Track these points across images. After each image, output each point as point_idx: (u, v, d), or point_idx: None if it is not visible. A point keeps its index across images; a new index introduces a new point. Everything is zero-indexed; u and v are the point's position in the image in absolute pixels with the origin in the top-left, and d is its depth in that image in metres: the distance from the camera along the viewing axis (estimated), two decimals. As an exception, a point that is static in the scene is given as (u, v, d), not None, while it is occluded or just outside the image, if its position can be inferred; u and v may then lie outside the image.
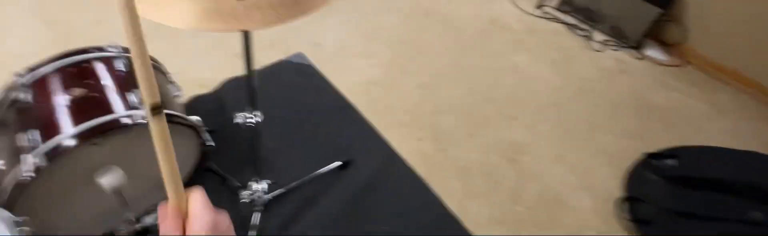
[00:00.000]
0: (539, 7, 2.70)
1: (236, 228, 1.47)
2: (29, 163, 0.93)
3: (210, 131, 1.27)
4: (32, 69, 1.16)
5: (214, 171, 1.56)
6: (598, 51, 2.46)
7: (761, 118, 2.19)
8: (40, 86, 1.11)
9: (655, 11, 2.28)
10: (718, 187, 1.83)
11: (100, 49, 1.24)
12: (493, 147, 1.96)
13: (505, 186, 1.82)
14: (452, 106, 2.12)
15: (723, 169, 1.94)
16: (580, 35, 2.54)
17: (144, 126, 1.01)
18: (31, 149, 0.96)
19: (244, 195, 1.38)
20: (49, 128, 1.01)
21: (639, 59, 2.43)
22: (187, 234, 0.47)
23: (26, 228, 0.74)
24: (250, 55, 0.98)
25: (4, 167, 1.01)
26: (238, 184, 1.49)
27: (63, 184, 1.04)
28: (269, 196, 1.44)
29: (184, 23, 0.82)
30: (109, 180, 0.87)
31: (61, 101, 1.06)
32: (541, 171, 1.88)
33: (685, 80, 2.34)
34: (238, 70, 2.05)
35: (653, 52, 2.44)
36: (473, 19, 2.62)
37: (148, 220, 1.12)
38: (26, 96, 1.08)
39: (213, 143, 1.27)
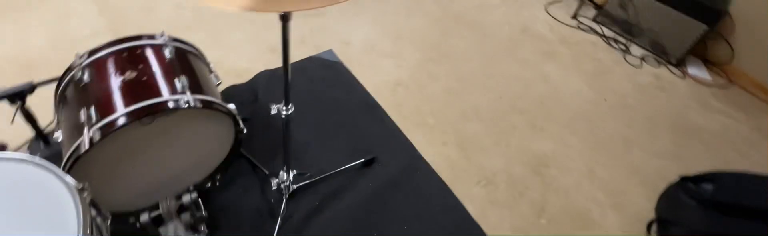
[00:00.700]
0: (574, 17, 2.69)
1: (263, 214, 1.44)
2: (86, 137, 1.06)
3: (244, 120, 1.37)
4: (92, 52, 1.31)
5: (247, 158, 1.64)
6: (635, 66, 2.44)
7: (808, 146, 2.13)
8: (98, 68, 1.25)
9: (700, 28, 2.25)
10: (754, 216, 1.76)
11: (151, 37, 1.38)
12: (519, 157, 1.92)
13: (529, 197, 1.78)
14: (479, 112, 2.10)
15: (762, 197, 1.87)
16: (617, 49, 2.52)
17: (186, 110, 1.13)
18: (88, 124, 1.09)
19: (274, 183, 1.48)
20: (105, 107, 1.13)
21: (680, 77, 2.40)
22: None
23: (87, 195, 0.81)
24: (287, 50, 1.02)
25: (62, 140, 1.16)
26: (267, 172, 1.59)
27: (113, 158, 1.15)
28: (296, 186, 1.52)
29: (239, 5, 0.81)
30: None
31: (115, 82, 1.20)
32: (567, 185, 1.83)
33: (729, 101, 2.29)
34: (271, 63, 2.23)
35: (696, 70, 2.40)
36: (504, 26, 2.63)
37: (185, 199, 1.20)
38: (86, 76, 1.22)
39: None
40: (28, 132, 1.48)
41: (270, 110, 1.20)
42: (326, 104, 1.98)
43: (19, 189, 0.80)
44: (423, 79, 2.25)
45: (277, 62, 2.18)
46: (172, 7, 2.50)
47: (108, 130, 1.07)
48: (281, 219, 1.46)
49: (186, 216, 1.23)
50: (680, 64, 2.43)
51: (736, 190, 1.89)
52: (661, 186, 1.86)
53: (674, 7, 2.30)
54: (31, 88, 1.28)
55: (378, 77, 2.22)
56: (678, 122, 2.17)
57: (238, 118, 1.30)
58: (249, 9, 0.81)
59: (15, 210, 0.77)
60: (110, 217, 0.95)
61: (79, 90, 1.23)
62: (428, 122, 2.03)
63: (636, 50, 2.52)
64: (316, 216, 1.53)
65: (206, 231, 1.30)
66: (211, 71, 1.46)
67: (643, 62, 2.46)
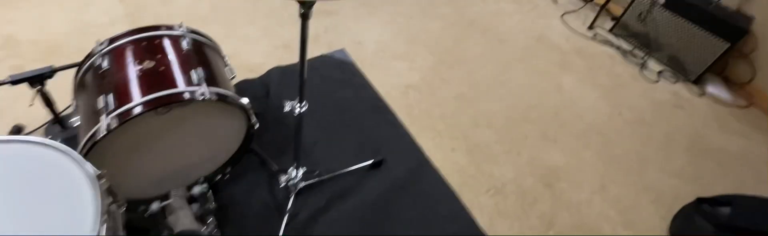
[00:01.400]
0: (591, 27, 2.73)
1: (270, 210, 1.40)
2: (103, 123, 1.11)
3: (256, 114, 1.38)
4: (112, 40, 1.37)
5: (256, 153, 1.69)
6: (652, 81, 2.46)
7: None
8: (117, 55, 1.30)
9: (723, 45, 2.27)
10: (771, 243, 1.76)
11: (170, 27, 1.43)
12: (529, 168, 1.91)
13: (539, 210, 1.76)
14: (490, 120, 2.10)
15: (780, 224, 1.87)
16: (634, 63, 2.55)
17: (201, 102, 1.17)
18: (106, 110, 1.14)
19: (282, 180, 1.52)
20: (122, 95, 1.18)
21: (698, 94, 2.42)
22: None
23: (105, 182, 0.84)
24: (304, 48, 1.05)
25: (79, 124, 1.22)
26: (276, 168, 1.64)
27: (127, 146, 1.20)
28: (304, 184, 1.56)
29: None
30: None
31: (133, 71, 1.24)
32: (578, 200, 1.81)
33: (749, 122, 2.30)
34: (284, 59, 2.26)
35: (715, 89, 2.42)
36: (519, 34, 2.65)
37: (196, 190, 1.26)
38: (105, 63, 1.27)
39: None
40: (46, 115, 1.54)
41: (283, 106, 1.23)
42: (336, 104, 2.01)
43: (39, 172, 0.83)
44: (435, 83, 2.25)
45: (289, 59, 2.22)
46: (190, -1, 2.55)
47: (124, 118, 1.11)
48: (288, 217, 1.49)
49: (195, 207, 1.28)
50: (699, 81, 2.45)
51: (753, 215, 1.88)
52: (675, 206, 1.85)
53: (695, 23, 2.33)
54: (51, 72, 1.35)
55: (389, 78, 2.23)
56: (695, 141, 2.18)
57: (251, 113, 1.34)
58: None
59: (33, 194, 0.80)
60: (125, 205, 0.98)
61: (98, 77, 1.28)
62: (438, 127, 2.03)
63: (653, 65, 2.55)
64: (322, 216, 1.56)
65: (214, 222, 1.35)
66: (226, 65, 1.50)
67: (661, 77, 2.48)
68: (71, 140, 1.26)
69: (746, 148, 2.17)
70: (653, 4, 2.45)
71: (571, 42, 2.63)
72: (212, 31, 1.63)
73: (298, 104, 1.21)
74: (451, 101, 2.17)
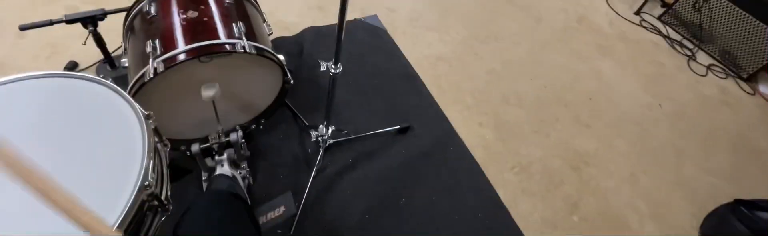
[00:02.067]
0: (638, 13, 2.63)
1: (300, 162, 1.54)
2: (151, 66, 1.18)
3: (290, 71, 1.45)
4: None
5: (289, 108, 1.78)
6: (699, 75, 2.36)
7: None
8: (162, 3, 1.38)
9: (783, 41, 2.19)
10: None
11: None
12: (558, 150, 1.84)
13: (564, 192, 1.70)
14: (521, 99, 2.03)
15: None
16: (682, 54, 2.45)
17: (241, 55, 1.25)
18: (153, 55, 1.22)
19: (313, 135, 1.60)
20: (168, 41, 1.26)
21: (749, 93, 2.32)
22: None
23: (152, 122, 0.89)
24: (344, 10, 1.09)
25: (128, 65, 1.33)
26: (306, 124, 1.72)
27: (171, 90, 1.28)
28: (333, 141, 1.64)
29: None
30: (209, 91, 1.23)
31: (178, 19, 1.32)
32: (606, 187, 1.74)
33: (799, 125, 2.21)
34: (318, 20, 2.23)
35: None
36: (559, 13, 2.57)
37: (232, 136, 1.37)
38: (152, 9, 1.35)
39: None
40: (98, 55, 1.67)
41: (316, 65, 1.29)
42: (367, 68, 2.04)
43: (93, 108, 0.88)
44: (467, 57, 2.19)
45: (323, 20, 2.22)
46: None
47: (170, 63, 1.19)
48: (316, 170, 1.57)
49: (231, 152, 1.40)
50: (751, 79, 2.35)
51: (793, 222, 1.81)
52: (709, 205, 1.77)
53: (756, 16, 2.22)
54: (103, 14, 1.50)
55: (419, 48, 2.19)
56: (739, 141, 2.09)
57: (287, 69, 1.40)
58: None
59: (88, 128, 0.85)
60: (170, 145, 1.02)
61: (146, 22, 1.36)
62: (466, 101, 1.97)
63: (703, 58, 2.45)
64: (349, 173, 1.61)
65: (247, 168, 1.47)
66: (264, 20, 1.56)
67: (709, 72, 2.39)
68: (119, 80, 1.39)
69: (793, 152, 2.08)
70: (713, -9, 2.35)
71: (615, 26, 2.54)
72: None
73: (334, 66, 1.26)
74: (482, 76, 2.11)
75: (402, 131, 1.79)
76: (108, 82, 0.92)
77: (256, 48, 1.27)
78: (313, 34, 2.14)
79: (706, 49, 2.47)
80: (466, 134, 1.82)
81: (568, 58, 2.30)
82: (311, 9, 2.29)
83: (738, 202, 1.81)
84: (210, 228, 0.93)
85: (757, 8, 2.21)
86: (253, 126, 1.58)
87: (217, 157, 1.39)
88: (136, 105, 0.89)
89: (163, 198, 0.86)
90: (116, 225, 0.70)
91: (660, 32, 2.54)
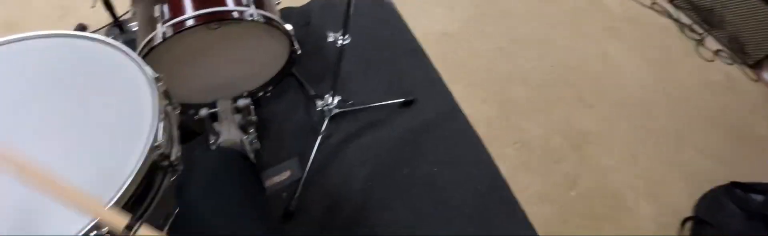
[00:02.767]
0: (651, -4, 2.69)
1: (306, 129, 1.65)
2: (159, 31, 1.23)
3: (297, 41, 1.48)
4: None
5: (297, 77, 1.86)
6: (706, 60, 2.44)
7: None
8: None
9: (792, 28, 2.26)
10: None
11: None
12: (559, 129, 1.92)
13: (563, 169, 1.78)
14: (526, 78, 2.10)
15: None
16: (691, 38, 2.52)
17: (249, 23, 1.29)
18: (161, 19, 1.26)
19: (319, 104, 1.69)
20: (176, 6, 1.30)
21: (754, 79, 2.40)
22: None
23: (162, 85, 0.91)
24: None
25: (137, 30, 1.36)
26: (313, 93, 1.80)
27: (179, 55, 1.33)
28: (338, 110, 1.71)
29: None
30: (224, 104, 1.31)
31: None
32: (605, 165, 1.82)
33: (801, 113, 2.30)
34: None
35: (772, 74, 2.41)
36: (571, -6, 2.63)
37: (240, 102, 1.41)
38: None
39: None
40: (107, 18, 1.72)
41: (323, 36, 1.35)
42: (372, 41, 2.10)
43: (103, 68, 0.90)
44: (473, 34, 2.24)
45: None
46: None
47: (178, 28, 1.24)
48: (322, 137, 1.66)
49: (238, 117, 1.45)
50: (756, 66, 2.43)
51: (789, 206, 1.90)
52: (706, 187, 1.86)
53: (768, 3, 2.30)
54: None
55: (426, 23, 2.23)
56: (740, 126, 2.17)
57: (294, 38, 1.44)
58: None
59: (98, 88, 0.87)
60: (179, 108, 1.05)
61: None
62: (471, 78, 2.04)
63: (711, 43, 2.52)
64: (353, 141, 1.71)
65: (254, 133, 1.53)
66: None
67: (717, 57, 2.46)
68: (128, 44, 1.40)
69: (793, 139, 2.17)
70: (727, -24, 2.41)
71: (626, 9, 2.60)
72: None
73: (341, 37, 1.31)
74: (488, 53, 2.16)
75: (406, 104, 1.87)
76: (118, 43, 0.94)
77: (264, 16, 1.31)
78: (320, 5, 2.20)
79: (715, 34, 2.53)
80: (468, 109, 1.89)
81: (576, 39, 2.36)
82: (318, -20, 2.31)
83: (734, 184, 1.91)
84: (216, 185, 0.97)
85: (770, -5, 2.28)
86: (261, 93, 1.64)
87: (225, 121, 1.44)
88: (147, 67, 0.91)
89: (173, 158, 0.89)
90: (126, 184, 0.73)
91: (671, 16, 2.60)
